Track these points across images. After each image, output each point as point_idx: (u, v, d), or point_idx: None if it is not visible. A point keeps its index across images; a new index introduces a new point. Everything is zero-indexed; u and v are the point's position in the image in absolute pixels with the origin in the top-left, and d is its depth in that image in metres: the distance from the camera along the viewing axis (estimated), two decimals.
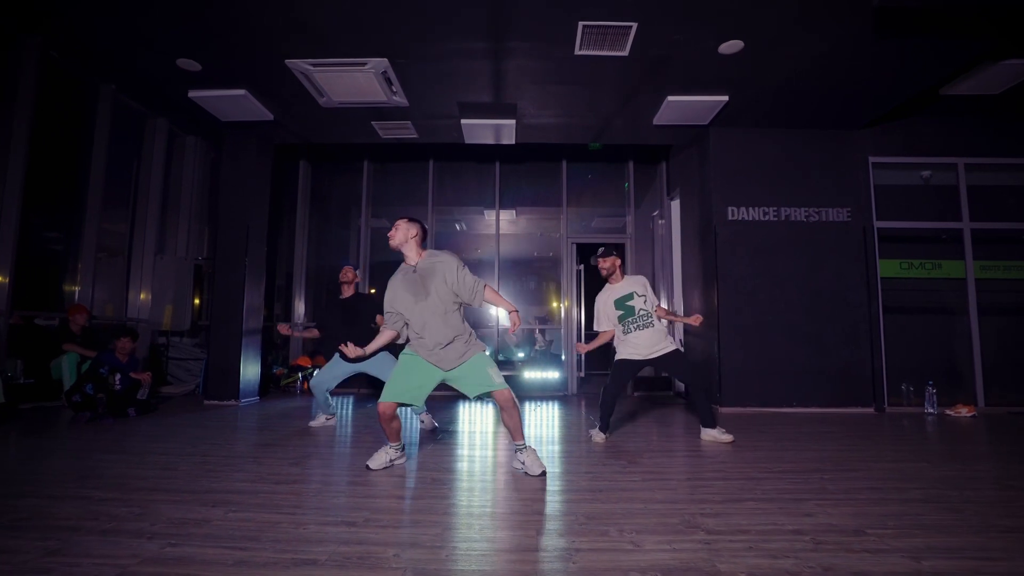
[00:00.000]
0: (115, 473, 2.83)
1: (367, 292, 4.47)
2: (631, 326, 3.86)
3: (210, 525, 2.05)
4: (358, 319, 4.38)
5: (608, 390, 3.94)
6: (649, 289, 3.97)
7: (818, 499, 2.45)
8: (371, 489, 2.62)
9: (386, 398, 2.85)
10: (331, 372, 4.41)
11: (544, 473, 2.83)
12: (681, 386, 6.90)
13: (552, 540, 1.94)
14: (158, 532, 1.96)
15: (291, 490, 2.58)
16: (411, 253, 2.95)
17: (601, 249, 4.01)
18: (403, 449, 3.11)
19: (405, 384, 2.87)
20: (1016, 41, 4.46)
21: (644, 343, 3.85)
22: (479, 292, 2.89)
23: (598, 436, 3.91)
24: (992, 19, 3.91)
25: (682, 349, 3.96)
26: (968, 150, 6.02)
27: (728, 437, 3.84)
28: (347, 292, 4.55)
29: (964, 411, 5.33)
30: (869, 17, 3.90)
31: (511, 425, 2.89)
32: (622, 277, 3.97)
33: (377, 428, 4.44)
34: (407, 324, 2.92)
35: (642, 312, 3.85)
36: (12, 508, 2.21)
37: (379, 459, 2.98)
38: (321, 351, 8.06)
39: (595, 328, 4.06)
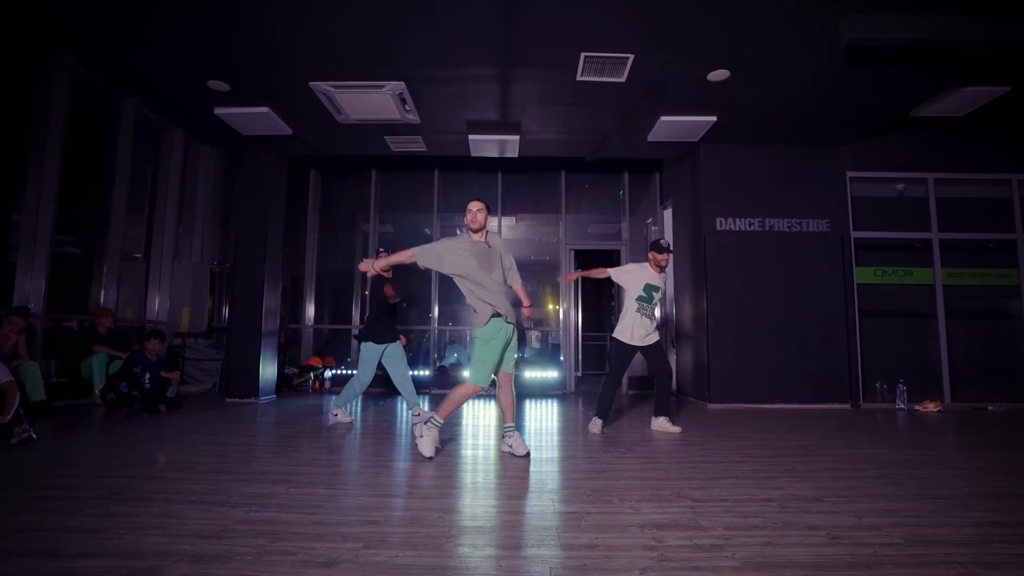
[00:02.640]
0: (174, 459, 3.22)
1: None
2: (642, 311, 4.32)
3: (278, 497, 2.44)
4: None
5: (611, 374, 4.40)
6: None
7: (788, 477, 2.88)
8: (403, 470, 3.02)
9: (477, 382, 3.30)
10: (369, 364, 4.63)
11: (528, 455, 3.30)
12: (674, 385, 7.36)
13: (565, 507, 2.35)
14: (237, 503, 2.35)
15: (336, 471, 2.98)
16: (480, 232, 3.48)
17: (667, 243, 4.48)
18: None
19: (494, 359, 3.32)
20: (974, 72, 4.93)
21: (642, 328, 4.30)
22: (515, 275, 3.62)
23: (595, 426, 4.29)
24: (951, 54, 4.38)
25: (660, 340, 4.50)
26: (937, 166, 6.52)
27: (676, 429, 4.31)
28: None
29: (931, 406, 5.81)
30: (840, 52, 4.35)
31: (506, 405, 3.43)
32: (661, 272, 4.43)
33: (391, 422, 4.83)
34: (471, 284, 3.36)
35: (655, 304, 4.39)
36: (103, 485, 2.59)
37: (428, 446, 3.27)
38: (330, 352, 8.44)
39: (612, 272, 4.44)
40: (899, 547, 1.88)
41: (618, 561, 1.75)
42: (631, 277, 4.38)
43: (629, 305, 4.36)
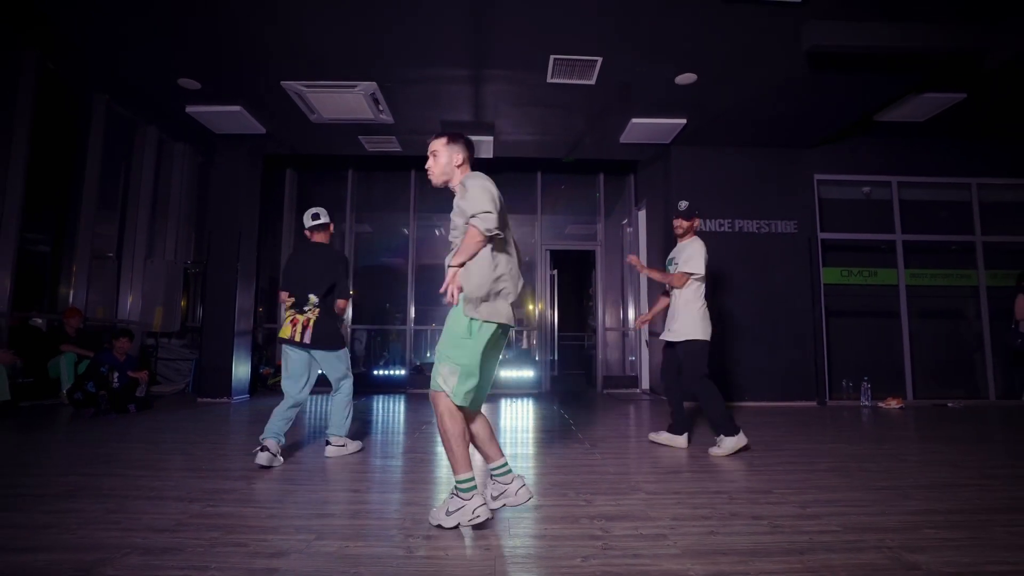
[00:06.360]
0: (138, 457, 3.20)
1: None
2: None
3: (238, 492, 2.45)
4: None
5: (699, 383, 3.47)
6: (688, 256, 3.56)
7: (745, 471, 2.96)
8: (369, 465, 3.05)
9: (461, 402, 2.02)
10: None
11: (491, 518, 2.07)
12: (647, 384, 7.45)
13: None
14: (196, 497, 2.36)
15: (300, 468, 2.99)
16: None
17: (684, 204, 3.56)
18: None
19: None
20: (932, 79, 5.09)
21: (668, 313, 3.48)
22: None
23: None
24: (909, 61, 4.52)
25: (700, 340, 3.57)
26: (901, 169, 6.71)
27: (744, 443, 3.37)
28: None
29: (894, 403, 5.98)
30: (802, 58, 4.47)
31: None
32: (686, 239, 3.66)
33: (369, 420, 4.83)
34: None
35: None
36: (60, 483, 2.58)
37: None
38: None
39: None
40: (835, 534, 1.95)
41: (562, 550, 1.80)
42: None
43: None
